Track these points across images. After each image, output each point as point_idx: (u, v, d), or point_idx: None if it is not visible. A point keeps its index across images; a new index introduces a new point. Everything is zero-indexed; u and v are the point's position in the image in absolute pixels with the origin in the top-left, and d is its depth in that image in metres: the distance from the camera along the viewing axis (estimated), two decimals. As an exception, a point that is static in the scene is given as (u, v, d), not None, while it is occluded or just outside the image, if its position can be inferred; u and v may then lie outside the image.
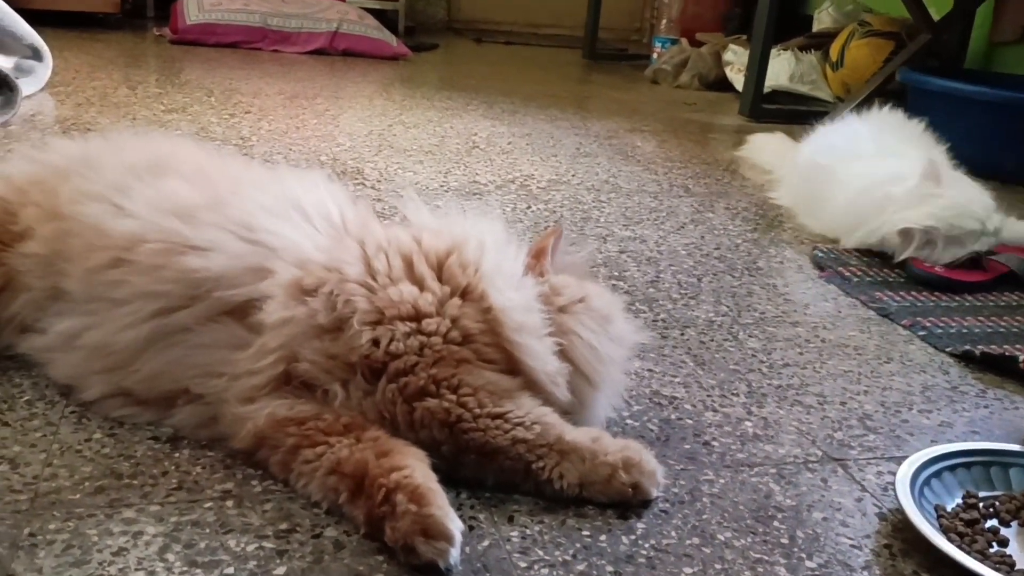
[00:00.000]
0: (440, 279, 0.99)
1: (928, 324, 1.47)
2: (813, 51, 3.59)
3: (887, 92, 3.21)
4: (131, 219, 1.02)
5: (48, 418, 0.99)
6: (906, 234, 1.70)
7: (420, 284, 0.97)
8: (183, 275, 0.96)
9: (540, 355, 0.97)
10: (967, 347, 1.37)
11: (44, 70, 2.62)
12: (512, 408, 0.92)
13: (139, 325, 0.97)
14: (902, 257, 1.71)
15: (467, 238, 1.03)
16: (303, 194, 1.08)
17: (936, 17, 3.20)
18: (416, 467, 0.85)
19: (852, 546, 0.90)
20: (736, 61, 3.73)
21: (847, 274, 1.68)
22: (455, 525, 0.81)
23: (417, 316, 0.94)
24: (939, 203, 1.70)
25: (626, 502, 0.92)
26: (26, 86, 2.46)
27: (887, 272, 1.71)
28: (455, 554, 0.80)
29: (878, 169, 1.87)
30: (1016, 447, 1.06)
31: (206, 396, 0.96)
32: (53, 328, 1.03)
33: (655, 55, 4.20)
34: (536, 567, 0.83)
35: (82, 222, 1.04)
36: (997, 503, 0.98)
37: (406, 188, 1.94)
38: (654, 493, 0.93)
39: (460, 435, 0.90)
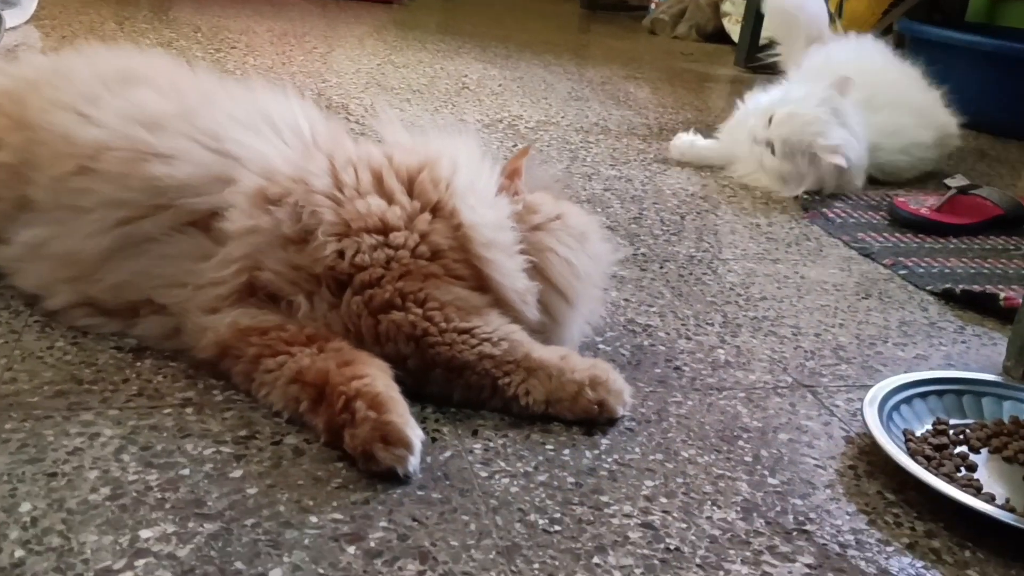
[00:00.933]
0: (411, 194, 0.97)
1: (910, 264, 1.46)
2: (812, 2, 3.53)
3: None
4: (98, 127, 1.00)
5: (11, 326, 0.98)
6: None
7: (389, 198, 0.96)
8: (147, 183, 0.95)
9: (510, 272, 0.96)
10: (948, 286, 1.36)
11: (30, 3, 2.57)
12: (479, 324, 0.91)
13: (104, 233, 0.96)
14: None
15: (440, 155, 1.01)
16: (274, 108, 1.06)
17: (938, -31, 3.15)
18: (377, 376, 0.85)
19: (816, 466, 0.90)
20: (734, 12, 3.68)
21: (831, 215, 1.67)
22: (415, 433, 0.81)
23: (384, 229, 0.93)
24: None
25: (592, 420, 0.91)
26: (11, 17, 2.41)
27: (871, 215, 1.70)
28: (414, 462, 0.80)
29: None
30: (990, 376, 1.06)
31: (169, 306, 0.95)
32: (19, 237, 1.01)
33: (653, 5, 4.15)
34: (497, 476, 0.82)
35: (50, 131, 1.02)
36: (968, 430, 0.98)
37: (382, 107, 1.91)
38: (620, 412, 0.92)
39: (426, 349, 0.90)
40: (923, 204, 1.67)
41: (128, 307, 0.97)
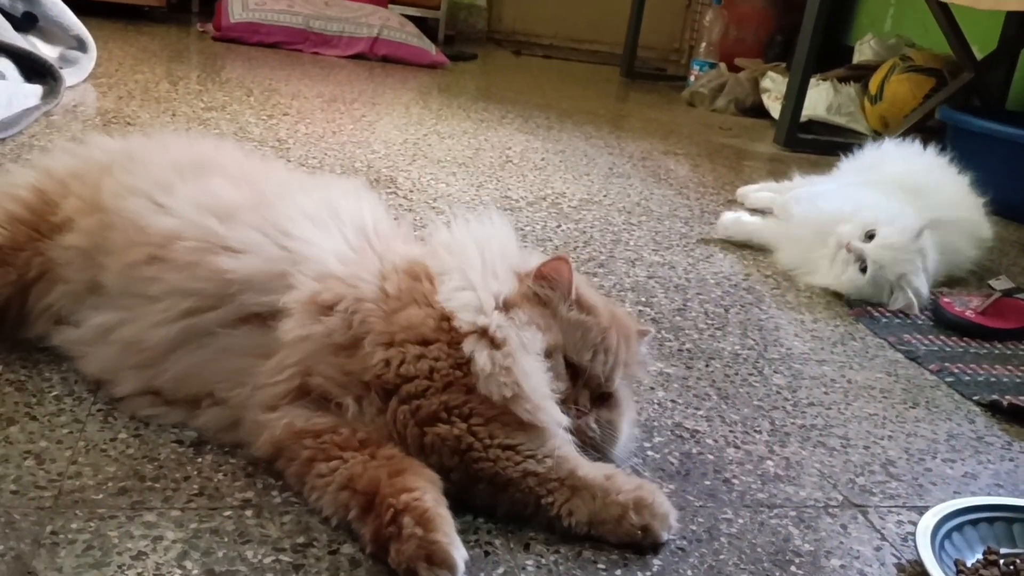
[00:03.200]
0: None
1: (956, 370, 1.46)
2: (852, 83, 3.57)
3: (926, 129, 3.19)
4: (170, 216, 1.03)
5: (75, 415, 1.00)
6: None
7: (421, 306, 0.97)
8: (214, 275, 0.97)
9: (548, 415, 0.95)
10: (995, 396, 1.36)
11: (88, 61, 2.66)
12: (524, 440, 0.91)
13: (170, 323, 0.98)
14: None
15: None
16: (343, 202, 1.09)
17: (979, 56, 3.18)
18: (427, 490, 0.85)
19: (869, 597, 0.90)
20: (774, 88, 3.72)
21: (876, 314, 1.67)
22: (459, 554, 0.80)
23: (424, 340, 0.94)
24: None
25: (636, 544, 0.91)
26: (69, 76, 2.49)
27: (915, 315, 1.70)
28: None
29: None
30: (1041, 504, 1.05)
31: (229, 401, 0.96)
32: (88, 321, 1.04)
33: (692, 77, 4.20)
34: (550, 597, 0.83)
35: (123, 216, 1.06)
36: (1019, 560, 0.97)
37: (450, 203, 1.94)
38: (664, 536, 0.91)
39: (470, 464, 0.90)
40: (968, 306, 1.67)
41: (190, 399, 0.99)
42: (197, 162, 1.13)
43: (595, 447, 0.99)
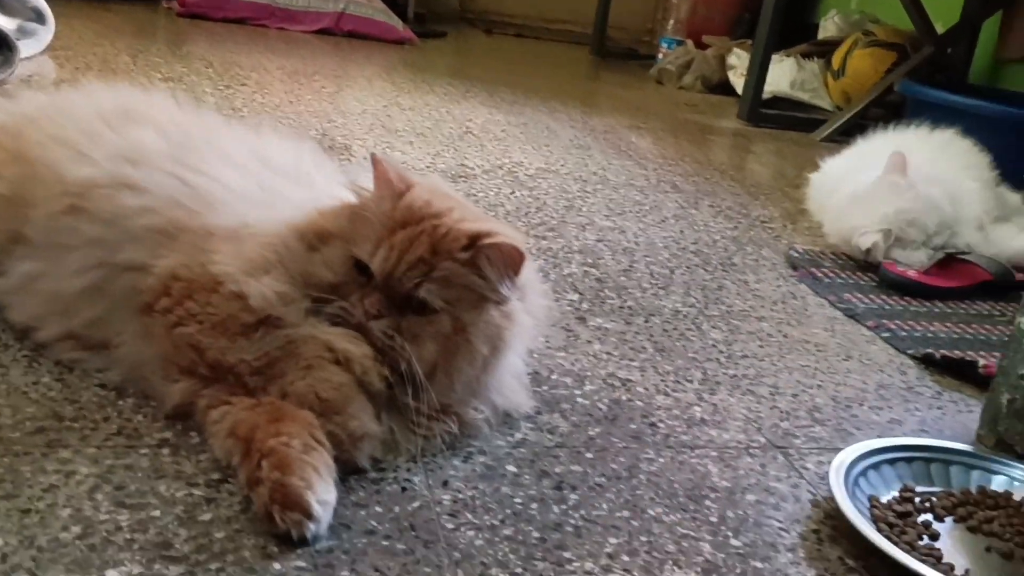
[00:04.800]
0: None
1: (893, 326, 1.48)
2: (816, 59, 3.59)
3: (886, 103, 3.21)
4: (90, 166, 1.03)
5: (0, 360, 1.00)
6: (872, 249, 1.72)
7: None
8: (118, 217, 0.99)
9: None
10: (929, 350, 1.38)
11: (46, 33, 2.63)
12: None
13: (86, 272, 0.99)
14: (879, 260, 1.73)
15: None
16: (276, 152, 1.10)
17: (941, 30, 3.20)
18: (297, 435, 0.83)
19: (780, 528, 0.91)
20: (739, 65, 3.73)
21: (819, 275, 1.69)
22: (315, 498, 0.78)
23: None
24: (896, 203, 1.71)
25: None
26: (26, 48, 2.47)
27: (859, 275, 1.72)
28: (314, 527, 0.78)
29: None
30: (959, 445, 1.07)
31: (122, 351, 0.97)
32: (14, 271, 1.04)
33: (660, 55, 4.20)
34: (463, 529, 0.84)
35: (45, 167, 1.06)
36: (934, 498, 0.99)
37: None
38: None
39: (203, 353, 0.91)
40: (911, 266, 1.69)
41: (104, 343, 0.99)
42: (125, 112, 1.14)
43: (396, 359, 0.91)
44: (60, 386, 0.97)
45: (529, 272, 1.00)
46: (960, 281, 1.68)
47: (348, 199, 1.00)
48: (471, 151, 2.27)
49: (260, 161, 1.11)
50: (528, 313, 1.02)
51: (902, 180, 1.74)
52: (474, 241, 0.93)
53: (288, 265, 0.93)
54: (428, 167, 2.06)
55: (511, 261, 0.94)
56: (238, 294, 0.91)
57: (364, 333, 0.92)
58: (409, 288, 0.91)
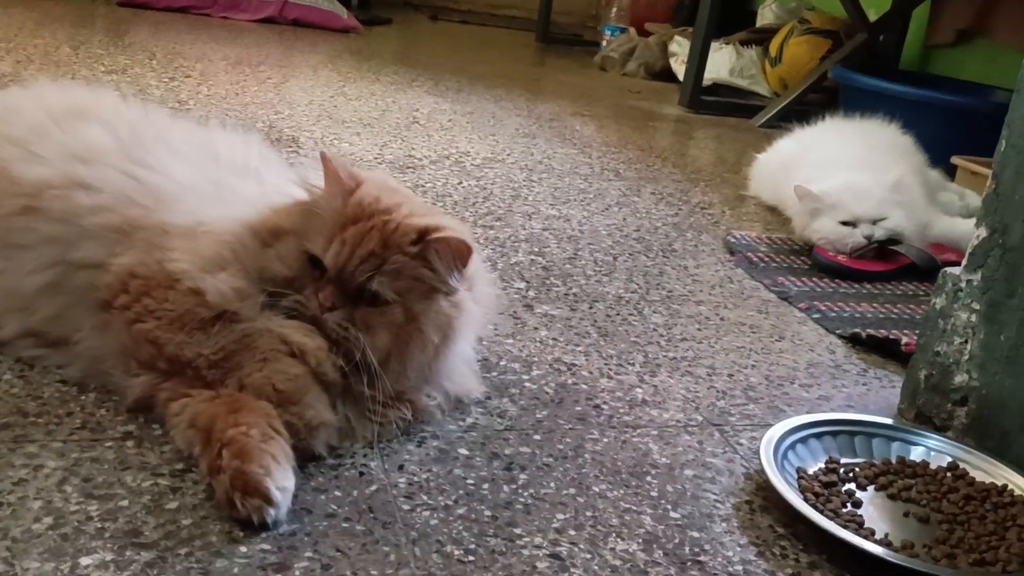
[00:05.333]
0: None
1: (823, 308, 1.56)
2: (754, 46, 3.68)
3: (822, 89, 3.31)
4: (42, 166, 1.06)
5: (-40, 359, 1.02)
6: (799, 192, 1.83)
7: None
8: (73, 216, 1.01)
9: None
10: (856, 330, 1.46)
11: (-16, 25, 2.61)
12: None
13: (43, 271, 1.01)
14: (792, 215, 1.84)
15: None
16: (224, 147, 1.13)
17: (873, 18, 3.30)
18: (256, 425, 0.87)
19: (716, 501, 0.98)
20: (681, 52, 3.80)
21: (755, 259, 1.76)
22: (274, 484, 0.82)
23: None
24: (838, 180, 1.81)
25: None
26: (-36, 40, 2.45)
27: (793, 259, 1.80)
28: (274, 513, 0.82)
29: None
30: (881, 419, 1.15)
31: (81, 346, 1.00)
32: (-29, 270, 1.06)
33: (604, 42, 4.27)
34: (418, 510, 0.89)
35: None
36: (857, 469, 1.06)
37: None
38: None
39: (162, 348, 0.94)
40: (839, 251, 1.77)
41: (63, 339, 1.02)
42: (73, 110, 1.16)
43: (351, 349, 0.95)
44: (22, 383, 0.99)
45: (477, 262, 1.05)
46: (885, 266, 1.77)
47: (298, 195, 1.04)
48: (418, 141, 2.31)
49: (209, 156, 1.14)
50: (476, 302, 1.07)
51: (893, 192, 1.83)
52: (423, 235, 0.98)
53: (243, 261, 0.97)
54: (376, 158, 2.09)
55: (459, 254, 0.99)
56: (195, 290, 0.95)
57: (319, 325, 0.96)
58: (362, 281, 0.96)
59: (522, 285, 1.50)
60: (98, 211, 1.02)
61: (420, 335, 0.98)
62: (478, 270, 1.08)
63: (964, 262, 1.16)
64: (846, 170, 1.89)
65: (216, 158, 1.13)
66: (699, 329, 1.43)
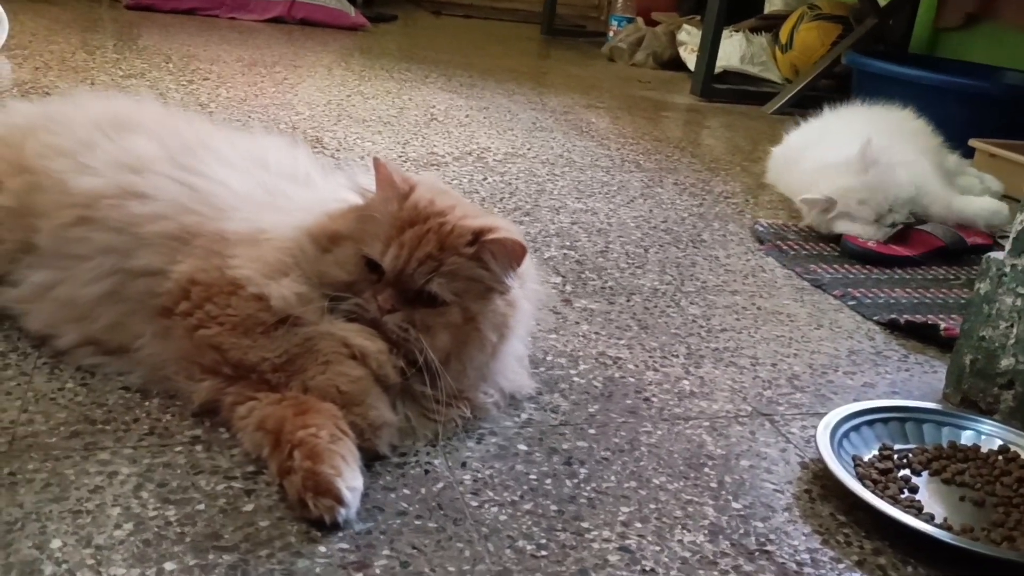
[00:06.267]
0: None
1: (858, 295, 1.57)
2: (764, 33, 3.68)
3: (833, 75, 3.31)
4: (94, 177, 1.07)
5: (21, 368, 1.03)
6: (806, 202, 1.84)
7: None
8: (128, 225, 1.02)
9: None
10: (893, 316, 1.47)
11: (1, 32, 2.61)
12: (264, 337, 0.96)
13: (101, 280, 1.03)
14: (805, 223, 1.87)
15: None
16: (272, 153, 1.14)
17: (883, 2, 3.31)
18: (324, 427, 0.88)
19: (775, 490, 0.99)
20: (689, 41, 3.81)
21: (784, 247, 1.77)
22: (345, 485, 0.83)
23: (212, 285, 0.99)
24: (848, 180, 1.81)
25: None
26: (-18, 48, 2.45)
27: (822, 246, 1.81)
28: (344, 512, 0.83)
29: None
30: (930, 404, 1.16)
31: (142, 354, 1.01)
32: (26, 280, 1.07)
33: (611, 33, 4.27)
34: (486, 506, 0.90)
35: (49, 177, 1.09)
36: (910, 455, 1.07)
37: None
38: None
39: (226, 353, 0.95)
40: (860, 235, 1.78)
41: (124, 347, 1.03)
42: (118, 120, 1.17)
43: (412, 350, 0.96)
44: (85, 391, 1.00)
45: (527, 261, 1.06)
46: (916, 250, 1.77)
47: (353, 200, 1.05)
48: (438, 138, 2.31)
49: (257, 163, 1.15)
50: (527, 299, 1.08)
51: (861, 162, 1.82)
52: (478, 236, 0.99)
53: (304, 267, 0.98)
54: (400, 156, 2.10)
55: (513, 254, 1.00)
56: (258, 296, 0.96)
57: (378, 328, 0.97)
58: (420, 283, 0.97)
59: (558, 280, 1.51)
60: (154, 219, 1.03)
61: (478, 335, 0.99)
62: (527, 267, 1.09)
63: (1008, 247, 1.17)
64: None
65: (265, 164, 1.14)
66: (737, 319, 1.44)
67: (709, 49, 3.28)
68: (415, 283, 0.97)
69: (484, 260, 0.99)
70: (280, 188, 1.10)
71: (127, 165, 1.09)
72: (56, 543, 0.77)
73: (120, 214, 1.04)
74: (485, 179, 2.01)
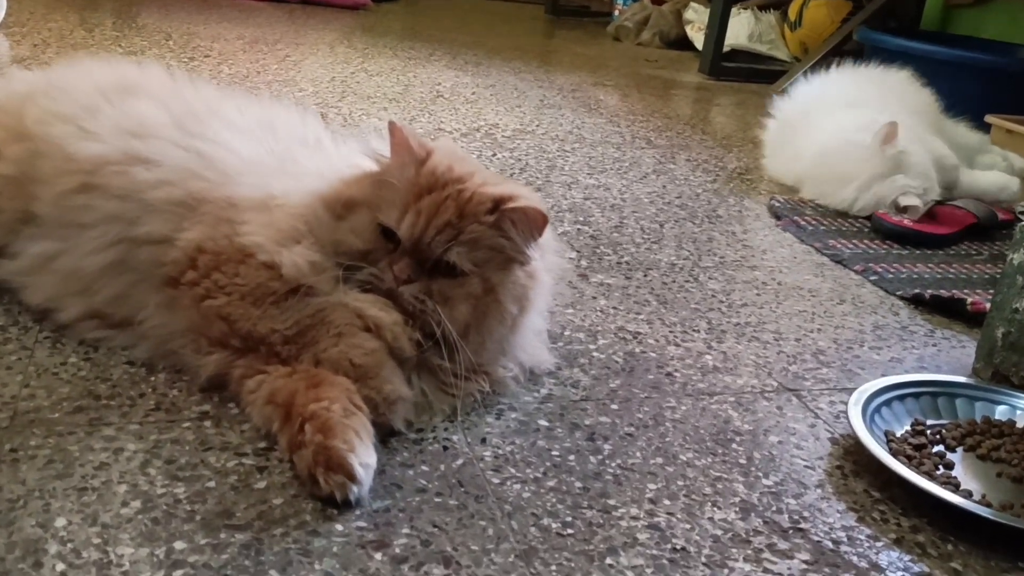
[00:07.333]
0: None
1: (879, 269, 1.52)
2: (772, 11, 3.62)
3: (844, 52, 3.26)
4: (98, 142, 1.02)
5: (23, 342, 0.99)
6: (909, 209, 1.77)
7: None
8: (133, 192, 0.98)
9: None
10: (916, 291, 1.43)
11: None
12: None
13: (105, 250, 0.98)
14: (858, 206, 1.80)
15: None
16: (281, 119, 1.10)
17: (894, -21, 3.25)
18: (337, 400, 0.84)
19: (806, 466, 0.95)
20: (696, 20, 3.75)
21: (802, 223, 1.73)
22: (357, 460, 0.79)
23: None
24: (909, 170, 1.77)
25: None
26: (-21, 24, 2.41)
27: (840, 221, 1.77)
28: (357, 490, 0.79)
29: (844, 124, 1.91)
30: (962, 379, 1.12)
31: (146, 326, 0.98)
32: (26, 252, 1.03)
33: (617, 12, 4.21)
34: (508, 483, 0.86)
35: (50, 144, 1.05)
36: (944, 430, 1.03)
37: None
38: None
39: (233, 324, 0.92)
40: (904, 215, 1.73)
41: (129, 320, 0.99)
42: (121, 85, 1.12)
43: (428, 322, 0.92)
44: (89, 365, 0.96)
45: (548, 231, 1.02)
46: (950, 227, 1.73)
47: (366, 166, 1.01)
48: (445, 115, 2.27)
49: (266, 128, 1.11)
50: (547, 271, 1.04)
51: (895, 149, 1.78)
52: (498, 204, 0.95)
53: (317, 234, 0.94)
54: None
55: (534, 223, 0.96)
56: (269, 264, 0.92)
57: (394, 298, 0.93)
58: (438, 252, 0.92)
59: (573, 255, 1.47)
60: (160, 185, 0.98)
61: (498, 306, 0.95)
62: (548, 238, 1.05)
63: (1043, 216, 1.13)
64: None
65: (274, 130, 1.10)
66: (758, 294, 1.40)
67: (718, 27, 3.23)
68: (433, 252, 0.93)
69: (504, 229, 0.95)
70: (289, 153, 1.06)
71: (131, 131, 1.05)
72: (61, 521, 0.74)
73: (125, 180, 1.00)
74: (494, 155, 1.97)
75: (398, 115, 2.19)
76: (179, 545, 0.73)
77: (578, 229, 1.59)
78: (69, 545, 0.71)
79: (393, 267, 0.93)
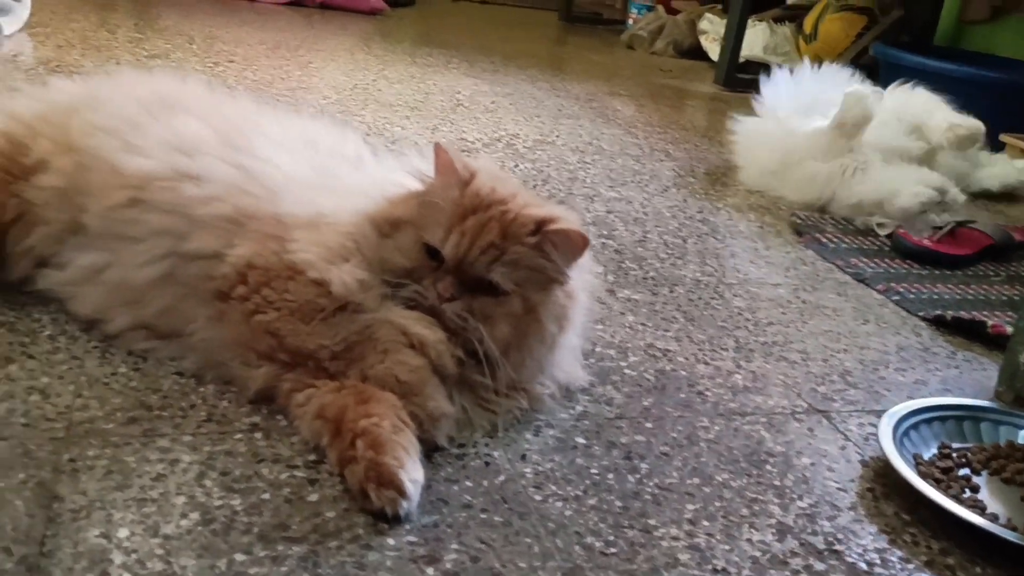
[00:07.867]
0: None
1: (901, 290, 1.55)
2: (787, 23, 3.65)
3: (859, 66, 3.28)
4: (145, 158, 1.05)
5: (72, 352, 1.02)
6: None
7: None
8: (182, 208, 1.00)
9: None
10: (938, 312, 1.45)
11: (23, 10, 2.58)
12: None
13: (154, 263, 1.01)
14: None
15: None
16: (322, 135, 1.13)
17: (908, -6, 3.28)
18: (387, 416, 0.86)
19: (838, 489, 0.97)
20: (711, 30, 3.77)
21: (824, 240, 1.75)
22: (408, 476, 0.82)
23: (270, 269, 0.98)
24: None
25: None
26: (5, 26, 2.42)
27: (862, 239, 1.79)
28: (406, 505, 0.81)
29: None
30: (986, 403, 1.14)
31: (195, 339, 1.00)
32: (74, 262, 1.05)
33: (631, 20, 4.23)
34: (551, 500, 0.88)
35: (97, 157, 1.07)
36: (969, 454, 1.06)
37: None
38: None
39: (283, 340, 0.94)
40: (924, 235, 1.75)
41: (177, 332, 1.01)
42: (162, 99, 1.14)
43: (470, 340, 0.94)
44: (139, 376, 0.99)
45: (586, 252, 1.04)
46: (969, 248, 1.75)
47: (409, 184, 1.03)
48: (466, 124, 2.29)
49: (308, 144, 1.13)
50: (583, 290, 1.06)
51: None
52: (540, 226, 0.97)
53: (365, 252, 0.96)
54: (430, 142, 2.07)
55: (575, 245, 0.98)
56: (318, 281, 0.94)
57: (437, 316, 0.95)
58: (481, 271, 0.95)
59: (599, 270, 1.49)
60: (208, 202, 1.01)
61: (539, 325, 0.98)
62: (585, 258, 1.07)
63: (1069, 244, 1.15)
64: None
65: (316, 146, 1.12)
66: (783, 313, 1.42)
67: (734, 39, 3.25)
68: (476, 271, 0.95)
69: (546, 250, 0.97)
70: (331, 169, 1.08)
71: (178, 147, 1.07)
72: (123, 532, 0.76)
73: (173, 196, 1.02)
74: (516, 166, 1.99)
75: (421, 124, 2.21)
76: (239, 557, 0.75)
77: (603, 243, 1.61)
78: (133, 556, 0.73)
79: (437, 285, 0.95)
